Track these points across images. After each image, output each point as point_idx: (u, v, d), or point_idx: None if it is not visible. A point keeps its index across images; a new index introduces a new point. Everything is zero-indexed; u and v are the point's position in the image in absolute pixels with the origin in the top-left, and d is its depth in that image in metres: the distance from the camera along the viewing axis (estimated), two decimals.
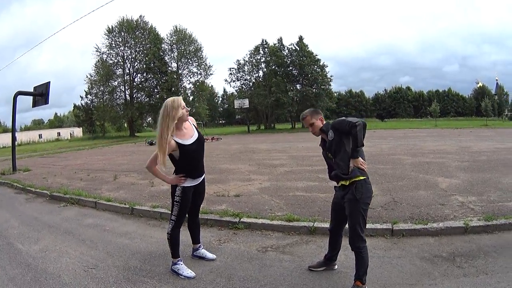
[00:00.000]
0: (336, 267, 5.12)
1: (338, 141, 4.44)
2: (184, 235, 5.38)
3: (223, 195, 9.57)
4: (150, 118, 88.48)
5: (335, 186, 4.84)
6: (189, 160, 4.89)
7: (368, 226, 6.25)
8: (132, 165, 17.88)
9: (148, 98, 72.60)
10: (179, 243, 5.16)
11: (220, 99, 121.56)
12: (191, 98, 73.31)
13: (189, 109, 4.94)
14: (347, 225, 4.60)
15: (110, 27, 68.61)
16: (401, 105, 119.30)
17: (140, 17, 71.25)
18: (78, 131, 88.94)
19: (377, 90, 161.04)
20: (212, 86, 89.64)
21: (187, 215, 5.29)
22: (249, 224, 7.13)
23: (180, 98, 4.87)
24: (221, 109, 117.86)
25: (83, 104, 74.65)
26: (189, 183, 4.99)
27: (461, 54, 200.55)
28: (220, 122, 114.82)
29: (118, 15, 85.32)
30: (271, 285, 4.71)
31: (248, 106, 64.86)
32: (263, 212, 7.84)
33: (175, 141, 4.73)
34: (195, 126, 5.13)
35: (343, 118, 4.45)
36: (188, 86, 74.34)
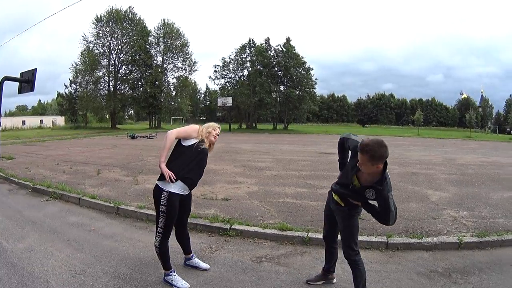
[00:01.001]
0: (334, 280, 4.99)
1: (370, 199, 4.02)
2: (175, 240, 5.18)
3: (211, 198, 9.36)
4: (132, 111, 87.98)
5: (329, 191, 4.65)
6: (193, 155, 4.72)
7: (363, 238, 6.27)
8: (115, 159, 17.56)
9: (131, 91, 72.23)
10: (169, 253, 4.91)
11: (203, 95, 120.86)
12: (174, 93, 73.32)
13: (216, 136, 5.07)
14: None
15: (99, 16, 67.92)
16: (383, 111, 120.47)
17: (129, 8, 70.64)
18: (60, 120, 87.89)
19: (359, 95, 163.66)
20: (195, 82, 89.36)
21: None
22: (241, 232, 6.95)
23: (218, 125, 5.15)
24: (203, 105, 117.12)
25: (67, 92, 73.53)
26: (176, 188, 4.68)
27: (447, 64, 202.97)
28: (201, 118, 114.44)
29: (108, 5, 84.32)
30: None
31: (231, 104, 64.59)
32: (254, 219, 7.67)
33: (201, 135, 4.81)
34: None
35: (390, 203, 3.85)
36: (172, 81, 74.26)
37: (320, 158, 19.69)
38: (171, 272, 4.89)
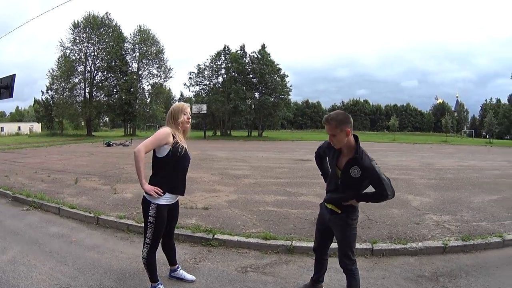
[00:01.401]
0: None
1: (358, 183, 3.98)
2: (159, 251, 4.93)
3: (191, 207, 9.19)
4: (107, 118, 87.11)
5: (321, 204, 4.54)
6: (175, 164, 4.47)
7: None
8: (92, 167, 17.28)
9: (107, 98, 71.82)
10: (156, 265, 4.73)
11: (177, 102, 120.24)
12: (148, 100, 73.00)
13: (190, 119, 4.72)
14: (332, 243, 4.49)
15: (76, 22, 67.59)
16: (358, 118, 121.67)
17: (106, 13, 70.54)
18: (37, 127, 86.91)
19: (333, 101, 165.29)
20: (169, 89, 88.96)
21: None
22: (224, 241, 6.80)
23: (187, 105, 4.75)
24: None
25: (44, 99, 72.86)
26: (165, 200, 4.51)
27: (421, 69, 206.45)
28: None
29: (85, 10, 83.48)
30: None
31: (206, 111, 64.24)
32: (237, 228, 7.54)
33: (172, 134, 4.44)
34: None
35: (379, 174, 3.83)
36: (147, 88, 74.19)
37: (297, 165, 19.70)
38: (158, 284, 4.71)
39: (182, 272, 5.25)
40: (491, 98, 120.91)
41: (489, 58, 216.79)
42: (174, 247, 5.19)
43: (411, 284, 5.21)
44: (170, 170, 4.46)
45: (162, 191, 4.39)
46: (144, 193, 4.49)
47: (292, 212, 8.92)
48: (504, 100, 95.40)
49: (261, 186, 12.64)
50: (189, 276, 5.23)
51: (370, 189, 3.96)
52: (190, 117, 4.71)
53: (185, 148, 4.57)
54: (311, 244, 6.40)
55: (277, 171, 16.90)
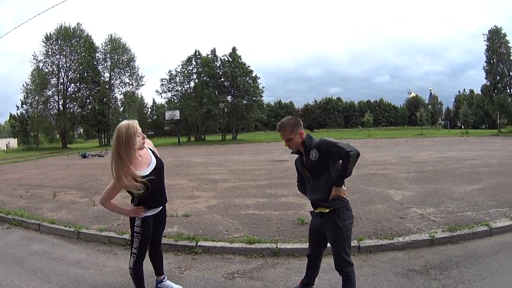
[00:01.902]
0: None
1: (322, 164, 4.03)
2: (145, 261, 4.71)
3: (171, 215, 8.84)
4: (81, 129, 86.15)
5: (311, 212, 4.39)
6: (150, 190, 4.17)
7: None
8: (69, 180, 16.86)
9: (80, 109, 70.64)
10: (143, 276, 4.54)
11: (149, 110, 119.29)
12: (121, 109, 72.10)
13: (145, 136, 4.36)
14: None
15: (48, 34, 66.48)
16: (331, 115, 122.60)
17: (77, 24, 69.51)
18: (13, 142, 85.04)
19: (306, 101, 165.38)
20: (142, 96, 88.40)
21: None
22: (208, 248, 6.62)
23: (135, 123, 4.24)
24: (150, 120, 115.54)
25: (19, 114, 71.52)
26: (149, 212, 4.36)
27: (393, 65, 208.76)
28: (149, 133, 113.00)
29: (57, 22, 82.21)
30: None
31: (179, 117, 63.70)
32: (219, 234, 7.35)
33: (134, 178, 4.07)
34: (151, 150, 4.49)
35: (333, 141, 3.99)
36: (119, 97, 73.24)
37: (274, 166, 19.53)
38: None
39: (168, 283, 5.03)
40: (464, 89, 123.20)
41: (459, 50, 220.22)
42: (162, 256, 5.01)
43: (402, 279, 5.14)
44: (148, 195, 4.21)
45: (143, 209, 4.27)
46: (130, 203, 4.40)
47: (274, 214, 8.78)
48: (477, 91, 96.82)
49: (240, 189, 12.47)
50: (176, 286, 5.02)
51: None
52: (144, 136, 4.35)
53: (153, 166, 4.33)
54: (297, 246, 6.37)
55: (255, 173, 16.77)
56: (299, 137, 4.13)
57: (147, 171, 4.22)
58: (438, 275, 5.18)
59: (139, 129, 4.21)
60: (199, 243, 6.75)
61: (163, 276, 5.01)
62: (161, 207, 4.56)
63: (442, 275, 5.16)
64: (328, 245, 4.31)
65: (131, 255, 4.39)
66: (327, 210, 4.03)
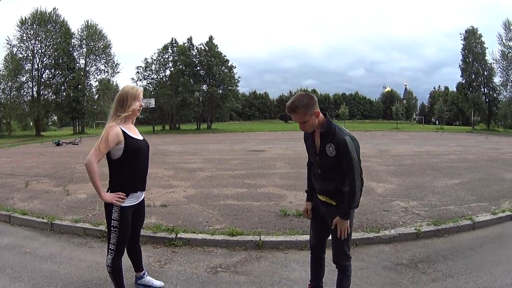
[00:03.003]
0: None
1: (337, 162, 3.60)
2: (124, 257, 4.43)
3: (148, 205, 8.39)
4: (55, 117, 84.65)
5: (314, 197, 4.08)
6: (133, 161, 3.95)
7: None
8: (43, 168, 16.26)
9: (54, 96, 68.80)
10: (122, 273, 4.24)
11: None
12: (96, 96, 70.99)
13: (143, 105, 4.17)
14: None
15: (23, 18, 64.33)
16: None
17: (53, 9, 67.35)
18: None
19: (281, 92, 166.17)
20: (117, 84, 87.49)
21: None
22: (188, 240, 6.36)
23: (141, 89, 4.14)
24: None
25: None
26: (129, 201, 4.01)
27: (369, 59, 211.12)
28: None
29: (33, 6, 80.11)
30: None
31: (154, 105, 62.83)
32: (199, 225, 7.11)
33: (121, 129, 3.87)
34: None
35: (352, 154, 3.47)
36: (94, 84, 71.71)
37: (251, 156, 19.41)
38: None
39: (149, 279, 4.75)
40: (439, 86, 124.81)
41: (435, 48, 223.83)
42: (141, 252, 4.71)
43: (391, 273, 5.08)
44: (129, 169, 3.97)
45: (125, 195, 3.94)
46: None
47: (255, 205, 8.60)
48: (452, 88, 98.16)
49: (218, 179, 12.26)
50: (157, 283, 4.74)
51: None
52: (142, 104, 4.16)
53: (142, 138, 4.14)
54: (281, 238, 6.22)
55: (232, 162, 16.62)
56: (315, 118, 3.59)
57: (139, 137, 4.09)
58: (427, 268, 5.16)
59: (141, 96, 4.07)
60: (178, 235, 6.49)
61: (143, 272, 4.74)
62: (142, 196, 4.26)
63: (430, 269, 5.14)
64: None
65: (108, 251, 4.08)
66: (335, 203, 3.74)
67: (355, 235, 6.11)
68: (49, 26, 66.13)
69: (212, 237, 6.39)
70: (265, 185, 10.81)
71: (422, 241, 6.29)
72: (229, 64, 73.53)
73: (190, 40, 74.38)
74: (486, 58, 60.64)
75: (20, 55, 64.40)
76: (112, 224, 3.97)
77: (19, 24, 64.04)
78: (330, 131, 3.59)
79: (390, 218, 7.24)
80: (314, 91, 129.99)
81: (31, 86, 65.98)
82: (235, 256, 5.81)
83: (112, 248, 4.03)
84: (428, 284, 4.70)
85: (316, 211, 4.03)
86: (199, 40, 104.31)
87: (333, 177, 3.65)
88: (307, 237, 5.84)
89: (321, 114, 3.59)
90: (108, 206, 3.95)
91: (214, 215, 7.85)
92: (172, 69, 73.09)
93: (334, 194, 3.70)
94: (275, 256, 5.72)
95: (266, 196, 9.43)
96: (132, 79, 78.39)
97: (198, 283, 4.88)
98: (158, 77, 74.50)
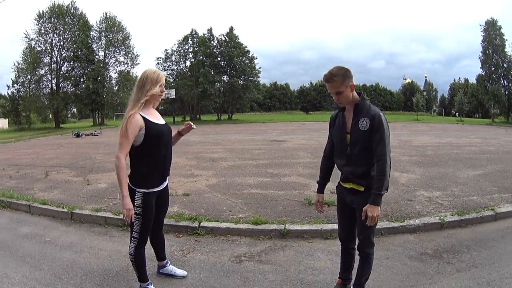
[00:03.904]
0: None
1: (369, 137, 3.50)
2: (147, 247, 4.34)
3: (170, 194, 8.41)
4: (74, 109, 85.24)
5: (337, 187, 4.03)
6: (156, 147, 3.87)
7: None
8: (62, 159, 16.35)
9: (74, 88, 69.39)
10: (145, 262, 4.19)
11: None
12: (116, 88, 71.35)
13: (165, 91, 4.08)
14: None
15: (41, 12, 64.77)
16: (327, 98, 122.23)
17: (71, 2, 67.76)
18: (4, 122, 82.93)
19: (301, 83, 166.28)
20: (136, 76, 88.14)
21: None
22: (211, 229, 6.36)
23: (163, 73, 4.04)
24: None
25: (10, 93, 70.63)
26: (152, 187, 3.93)
27: (388, 51, 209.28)
28: None
29: (50, 0, 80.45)
30: None
31: (174, 96, 62.97)
32: (223, 214, 7.11)
33: (141, 115, 3.79)
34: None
35: (385, 131, 3.44)
36: (114, 76, 72.08)
37: (273, 146, 19.37)
38: (148, 284, 4.19)
39: (171, 268, 4.71)
40: (459, 78, 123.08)
41: (454, 40, 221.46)
42: (164, 240, 4.65)
43: (417, 262, 5.05)
44: (152, 155, 3.90)
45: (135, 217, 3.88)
46: (128, 181, 3.90)
47: (279, 194, 8.58)
48: (472, 80, 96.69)
49: (240, 168, 12.27)
50: (180, 272, 4.72)
51: None
52: (164, 90, 4.06)
53: (164, 122, 4.08)
54: (306, 227, 6.20)
55: (254, 152, 16.59)
56: (350, 91, 3.57)
57: (161, 121, 4.01)
58: (451, 259, 5.13)
59: (163, 81, 3.97)
60: (202, 224, 6.49)
61: (165, 260, 4.72)
62: (166, 182, 4.19)
63: (455, 259, 5.11)
64: None
65: (131, 239, 4.01)
66: (363, 189, 3.66)
67: (380, 225, 6.11)
68: (67, 19, 66.52)
69: (236, 226, 6.39)
70: (288, 175, 10.80)
71: (446, 231, 6.24)
72: (250, 55, 73.35)
73: (210, 31, 74.38)
74: (506, 50, 59.35)
75: (39, 48, 64.85)
76: (135, 211, 3.85)
77: (37, 18, 64.52)
78: (364, 105, 3.57)
79: (414, 208, 7.18)
80: None
81: (50, 78, 66.49)
82: (260, 245, 5.81)
83: (135, 236, 3.97)
84: (453, 274, 4.66)
85: (341, 201, 3.97)
86: (219, 31, 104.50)
87: (363, 158, 3.57)
88: (332, 226, 5.90)
89: (353, 85, 3.57)
90: (131, 193, 3.85)
91: (238, 204, 7.85)
92: (193, 60, 73.28)
93: (362, 178, 3.62)
94: (300, 245, 5.70)
95: (290, 185, 9.42)
96: None
97: (222, 272, 4.87)
98: (178, 68, 74.74)
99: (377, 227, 5.83)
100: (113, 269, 4.99)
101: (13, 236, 6.50)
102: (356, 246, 4.01)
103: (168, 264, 4.71)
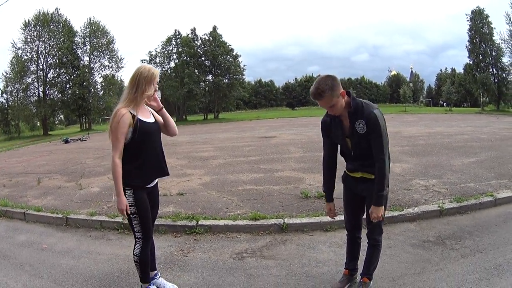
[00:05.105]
0: (358, 279, 4.19)
1: (367, 137, 3.48)
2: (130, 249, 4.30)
3: (165, 195, 8.47)
4: (62, 116, 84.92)
5: (343, 177, 3.99)
6: (142, 145, 3.70)
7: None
8: (53, 165, 16.15)
9: (60, 94, 69.01)
10: (149, 262, 4.07)
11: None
12: (101, 92, 71.14)
13: (158, 90, 3.94)
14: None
15: (27, 21, 64.76)
16: None
17: (56, 9, 67.82)
18: None
19: (286, 79, 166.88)
20: (121, 79, 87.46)
21: None
22: (210, 227, 6.28)
23: (157, 71, 3.91)
24: None
25: None
26: (142, 181, 3.77)
27: (372, 44, 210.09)
28: None
29: (35, 8, 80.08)
30: None
31: (160, 98, 62.97)
32: (220, 211, 7.05)
33: (130, 113, 3.64)
34: (153, 114, 4.07)
35: (381, 128, 3.39)
36: (99, 80, 71.74)
37: (263, 142, 19.30)
38: (150, 285, 4.06)
39: (161, 281, 4.32)
40: (445, 68, 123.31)
41: (439, 31, 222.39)
42: (153, 248, 4.27)
43: (420, 250, 5.05)
44: (138, 154, 3.73)
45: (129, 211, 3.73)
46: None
47: (274, 189, 8.55)
48: (459, 70, 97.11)
49: (232, 165, 12.22)
50: (170, 286, 4.31)
51: None
52: (157, 88, 3.95)
53: (154, 120, 3.97)
54: (305, 220, 6.16)
55: (244, 149, 16.54)
56: (341, 99, 3.45)
57: (150, 119, 3.88)
58: (454, 245, 5.12)
59: (157, 80, 3.86)
60: (199, 222, 6.41)
61: (155, 272, 4.33)
62: (155, 181, 4.02)
63: (458, 245, 5.09)
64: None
65: (136, 241, 3.85)
66: (373, 177, 3.61)
67: None
68: (51, 26, 66.42)
69: (235, 223, 6.34)
70: (281, 169, 10.77)
71: (446, 218, 6.26)
72: (234, 53, 73.25)
73: (193, 31, 74.08)
74: (494, 38, 59.50)
75: (25, 57, 64.80)
76: (130, 210, 3.71)
77: (23, 27, 64.55)
78: (357, 108, 3.46)
79: (412, 197, 7.20)
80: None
81: (36, 86, 66.31)
82: (260, 241, 5.76)
83: (139, 236, 3.81)
84: (458, 260, 4.64)
85: (349, 191, 3.94)
86: (202, 31, 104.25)
87: (368, 153, 3.52)
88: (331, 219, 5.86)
89: (344, 92, 3.47)
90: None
91: (234, 200, 7.80)
92: (177, 61, 73.00)
93: (371, 166, 3.57)
94: (300, 239, 5.67)
95: (284, 180, 9.38)
96: None
97: (225, 270, 4.80)
98: (163, 69, 74.32)
99: None
100: (114, 273, 4.90)
101: (10, 245, 6.40)
102: (362, 236, 4.05)
103: (158, 277, 4.34)
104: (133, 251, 3.88)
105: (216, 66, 71.44)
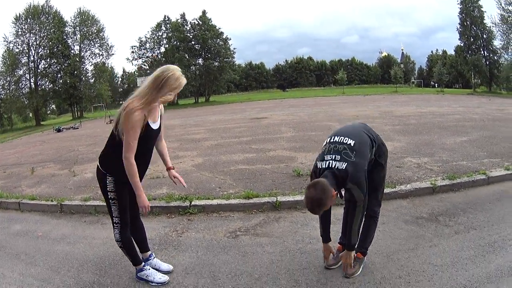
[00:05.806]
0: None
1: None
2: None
3: (157, 177, 8.54)
4: (53, 105, 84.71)
5: None
6: (140, 147, 3.58)
7: None
8: (46, 154, 16.03)
9: (51, 84, 69.32)
10: (134, 245, 4.06)
11: (120, 79, 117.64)
12: (92, 80, 71.28)
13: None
14: None
15: (18, 15, 64.67)
16: (303, 74, 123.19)
17: (46, 1, 67.45)
18: None
19: (276, 61, 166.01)
20: (112, 67, 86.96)
21: None
22: (203, 207, 6.30)
23: (184, 82, 3.72)
24: (121, 89, 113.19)
25: None
26: (121, 176, 3.66)
27: (361, 26, 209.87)
28: (120, 102, 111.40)
29: (26, 2, 79.80)
30: (268, 277, 4.00)
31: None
32: (213, 191, 7.06)
33: (144, 115, 3.54)
34: (161, 115, 3.97)
35: (360, 178, 3.43)
36: (90, 69, 72.09)
37: (254, 123, 19.35)
38: (143, 266, 4.08)
39: (156, 261, 4.37)
40: (437, 50, 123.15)
41: (429, 13, 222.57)
42: (143, 229, 4.33)
43: (413, 226, 5.07)
44: (136, 153, 3.60)
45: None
46: (98, 164, 3.83)
47: (266, 168, 8.58)
48: (450, 52, 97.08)
49: (224, 146, 12.22)
50: (165, 266, 4.37)
51: None
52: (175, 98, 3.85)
53: (158, 125, 3.84)
54: (298, 198, 6.18)
55: (236, 130, 16.57)
56: (334, 197, 3.39)
57: (155, 125, 3.75)
58: (448, 221, 5.15)
59: (180, 89, 3.70)
60: (193, 203, 6.43)
61: (149, 252, 4.37)
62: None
63: (451, 222, 5.13)
64: None
65: (114, 226, 3.89)
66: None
67: None
68: (42, 18, 66.33)
69: (228, 202, 6.36)
70: (273, 149, 10.80)
71: (438, 196, 6.30)
72: (224, 36, 73.21)
73: (183, 16, 73.95)
74: (485, 21, 59.79)
75: (17, 50, 64.88)
76: (109, 196, 3.78)
77: (14, 20, 64.51)
78: (341, 183, 3.49)
79: (404, 174, 7.22)
80: (310, 58, 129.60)
81: (28, 78, 66.39)
82: (253, 219, 5.78)
83: (116, 222, 3.85)
84: (452, 236, 4.67)
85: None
86: (192, 16, 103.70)
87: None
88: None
89: (334, 191, 3.38)
90: (102, 179, 3.79)
91: (226, 180, 7.81)
92: (167, 46, 72.91)
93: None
94: (293, 216, 5.70)
95: (276, 159, 9.42)
96: (127, 59, 78.16)
97: (220, 248, 4.82)
98: (153, 54, 74.15)
99: None
100: (109, 256, 4.90)
101: (5, 235, 6.34)
102: None
103: (152, 257, 4.37)
104: (114, 236, 3.91)
105: (206, 50, 71.54)
